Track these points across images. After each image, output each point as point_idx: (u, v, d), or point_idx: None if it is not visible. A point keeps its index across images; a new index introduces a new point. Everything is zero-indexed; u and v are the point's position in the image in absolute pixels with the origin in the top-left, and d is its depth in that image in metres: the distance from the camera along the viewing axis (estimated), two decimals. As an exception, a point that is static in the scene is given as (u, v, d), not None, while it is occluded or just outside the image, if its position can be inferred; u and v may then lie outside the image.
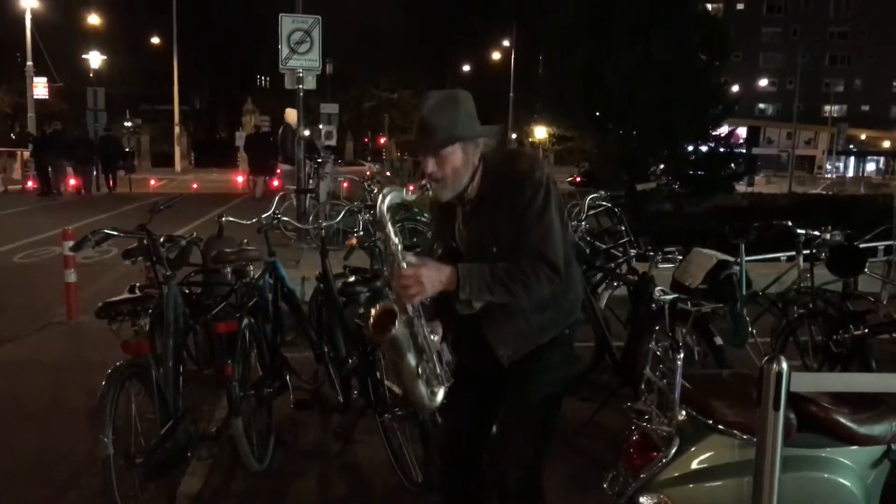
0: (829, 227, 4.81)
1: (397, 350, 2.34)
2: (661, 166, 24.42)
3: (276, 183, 17.77)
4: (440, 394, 2.41)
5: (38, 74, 26.73)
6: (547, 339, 2.50)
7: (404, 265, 2.28)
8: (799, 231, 4.96)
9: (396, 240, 2.31)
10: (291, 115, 12.58)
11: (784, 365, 1.81)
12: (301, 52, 10.61)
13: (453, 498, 2.82)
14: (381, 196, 2.32)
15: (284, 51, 10.59)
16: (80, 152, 20.56)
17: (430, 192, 2.42)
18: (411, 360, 2.35)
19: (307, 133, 15.39)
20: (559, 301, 2.49)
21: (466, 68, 55.09)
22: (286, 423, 4.50)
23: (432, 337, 2.39)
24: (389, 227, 2.31)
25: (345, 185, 16.07)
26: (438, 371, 2.39)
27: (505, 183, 2.40)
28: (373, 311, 2.37)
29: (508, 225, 2.38)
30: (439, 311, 2.48)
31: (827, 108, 62.16)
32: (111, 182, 21.87)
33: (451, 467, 2.78)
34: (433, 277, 2.29)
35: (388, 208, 2.31)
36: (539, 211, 2.35)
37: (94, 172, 21.30)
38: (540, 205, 2.35)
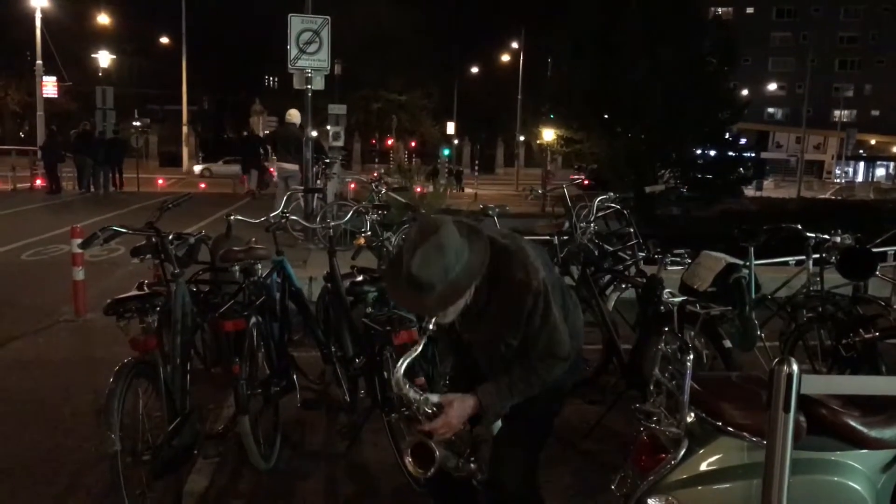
0: (840, 231, 4.78)
1: (442, 467, 2.44)
2: (669, 170, 24.42)
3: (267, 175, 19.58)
4: (481, 459, 2.56)
5: (47, 73, 26.87)
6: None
7: (430, 412, 2.38)
8: (809, 234, 4.93)
9: (418, 396, 2.38)
10: (295, 115, 12.60)
11: (795, 367, 1.80)
12: (310, 53, 10.62)
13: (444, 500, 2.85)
14: (396, 367, 2.37)
15: (293, 51, 10.60)
16: (110, 152, 21.34)
17: (434, 327, 2.40)
18: (453, 462, 2.49)
19: (315, 134, 15.42)
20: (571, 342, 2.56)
21: (475, 69, 55.16)
22: (293, 422, 4.50)
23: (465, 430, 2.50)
24: (410, 394, 2.38)
25: (351, 186, 16.09)
26: (473, 468, 2.53)
27: (502, 295, 2.39)
28: (408, 455, 2.42)
29: (514, 334, 2.43)
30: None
31: (836, 112, 61.89)
32: (119, 182, 22.06)
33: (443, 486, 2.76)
34: (461, 415, 2.39)
35: (405, 376, 2.37)
36: (542, 317, 2.38)
37: (111, 172, 21.53)
38: (542, 312, 2.37)
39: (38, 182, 21.33)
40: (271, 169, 17.27)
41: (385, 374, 3.84)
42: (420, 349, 2.43)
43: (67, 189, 21.24)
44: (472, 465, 2.53)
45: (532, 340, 2.41)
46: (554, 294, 2.42)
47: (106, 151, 21.03)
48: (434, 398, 2.40)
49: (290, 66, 10.75)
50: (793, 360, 1.82)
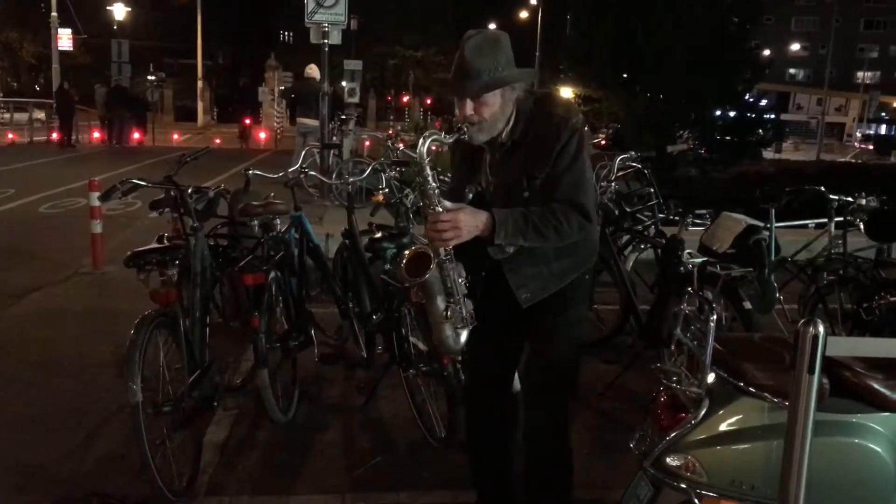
0: (864, 193, 4.72)
1: (427, 293, 2.37)
2: (688, 132, 24.14)
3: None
4: (464, 336, 2.44)
5: (62, 26, 26.66)
6: (566, 283, 2.54)
7: (440, 209, 2.28)
8: (832, 197, 4.88)
9: (435, 184, 2.30)
10: (315, 70, 12.46)
11: (821, 328, 1.78)
12: (327, 6, 10.51)
13: (481, 453, 2.84)
14: (421, 139, 2.29)
15: (310, 5, 10.49)
16: (138, 106, 22.69)
17: (466, 136, 2.38)
18: (440, 303, 2.38)
19: (333, 87, 15.31)
20: (578, 247, 2.51)
21: (492, 27, 54.45)
22: (311, 377, 4.54)
23: (459, 280, 2.39)
24: (428, 169, 2.29)
25: (367, 143, 16.02)
26: (464, 314, 2.41)
27: (540, 127, 2.40)
28: (405, 253, 2.39)
29: (541, 170, 2.38)
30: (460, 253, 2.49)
31: (860, 74, 60.77)
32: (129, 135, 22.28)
33: (476, 422, 2.81)
34: (470, 222, 2.30)
35: (429, 151, 2.30)
36: (573, 156, 2.37)
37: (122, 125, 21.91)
38: (574, 151, 2.37)
39: (55, 135, 21.37)
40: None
41: (402, 330, 3.85)
42: (448, 139, 2.35)
43: (83, 142, 21.29)
44: (455, 320, 2.40)
45: (557, 180, 2.37)
46: (587, 151, 2.41)
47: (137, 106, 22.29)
48: (447, 203, 2.32)
49: (307, 19, 10.65)
50: (819, 321, 1.80)
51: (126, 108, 21.83)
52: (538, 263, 2.48)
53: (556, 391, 2.61)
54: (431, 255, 2.32)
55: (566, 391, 2.67)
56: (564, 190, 2.36)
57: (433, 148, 2.32)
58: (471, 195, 2.55)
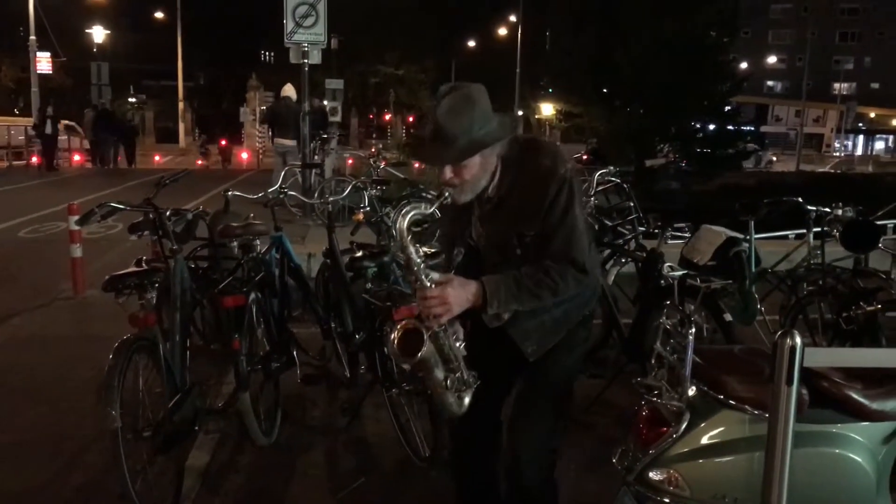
0: (840, 204, 4.76)
1: (426, 368, 2.29)
2: (668, 145, 24.33)
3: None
4: (466, 399, 2.37)
5: (41, 49, 26.55)
6: (571, 326, 2.46)
7: (428, 284, 2.21)
8: (809, 207, 4.92)
9: (418, 259, 2.21)
10: (290, 89, 12.49)
11: (798, 339, 1.78)
12: (306, 27, 10.53)
13: (465, 480, 2.76)
14: (397, 214, 2.20)
15: (289, 25, 10.50)
16: (126, 131, 23.11)
17: (449, 200, 2.30)
18: (439, 374, 2.31)
19: (325, 104, 15.31)
20: (580, 291, 2.42)
21: (472, 43, 54.75)
22: (294, 398, 4.51)
23: (458, 344, 2.33)
24: (410, 248, 2.20)
25: (349, 161, 16.03)
26: (465, 377, 2.35)
27: (527, 181, 2.29)
28: (395, 333, 2.27)
29: (532, 226, 2.29)
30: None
31: (836, 85, 61.56)
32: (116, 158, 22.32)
33: (463, 449, 2.74)
34: (460, 297, 2.22)
35: (408, 226, 2.20)
36: (563, 209, 2.26)
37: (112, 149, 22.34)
38: (564, 203, 2.26)
39: (34, 159, 21.24)
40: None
41: (385, 349, 3.83)
42: (427, 210, 2.28)
43: (64, 166, 21.20)
44: (456, 388, 2.33)
45: (549, 237, 2.27)
46: (579, 200, 2.31)
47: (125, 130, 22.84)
48: (434, 275, 2.23)
49: (286, 40, 10.66)
50: (796, 332, 1.81)
51: (112, 132, 22.08)
52: (538, 315, 2.39)
53: (550, 426, 2.50)
54: (423, 330, 2.22)
55: (559, 420, 2.54)
56: (557, 247, 2.27)
57: (415, 219, 2.23)
58: (459, 257, 2.48)
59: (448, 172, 2.25)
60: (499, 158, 2.31)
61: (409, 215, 2.20)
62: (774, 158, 44.34)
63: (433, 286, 2.21)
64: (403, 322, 2.30)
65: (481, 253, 2.47)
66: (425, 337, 2.21)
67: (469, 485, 2.75)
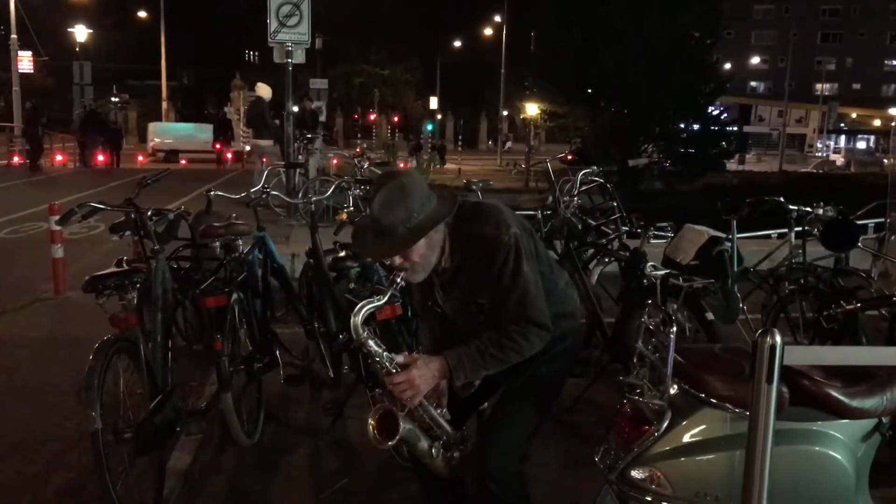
0: (822, 203, 4.80)
1: (408, 444, 2.34)
2: (652, 145, 24.45)
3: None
4: (457, 453, 2.44)
5: (22, 48, 26.33)
6: (553, 352, 2.48)
7: (394, 370, 2.27)
8: (791, 207, 4.95)
9: (379, 350, 2.28)
10: (264, 89, 12.46)
11: (778, 338, 1.79)
12: (290, 26, 10.49)
13: (429, 480, 2.72)
14: (354, 313, 2.26)
15: (273, 24, 10.47)
16: (113, 131, 23.52)
17: (402, 283, 2.36)
18: (424, 445, 2.36)
19: (314, 105, 15.27)
20: (559, 322, 2.46)
21: (458, 43, 54.77)
22: (277, 398, 4.49)
23: (437, 410, 2.38)
24: (370, 342, 2.28)
25: (334, 161, 15.99)
26: (451, 440, 2.41)
27: (474, 252, 2.33)
28: (370, 421, 2.32)
29: (486, 294, 2.35)
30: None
31: (818, 86, 62.06)
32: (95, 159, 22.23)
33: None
34: (425, 376, 2.27)
35: (363, 322, 2.26)
36: (512, 274, 2.29)
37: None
38: (512, 268, 2.29)
39: (16, 159, 21.06)
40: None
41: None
42: (383, 301, 2.33)
43: (46, 166, 21.02)
44: (444, 454, 2.39)
45: (503, 301, 2.32)
46: (528, 258, 2.33)
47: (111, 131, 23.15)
48: (398, 358, 2.29)
49: (269, 39, 10.62)
50: (776, 331, 1.81)
51: (100, 132, 22.29)
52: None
53: (523, 430, 2.51)
54: (396, 412, 2.27)
55: (533, 431, 2.54)
56: (513, 310, 2.31)
57: (370, 313, 2.30)
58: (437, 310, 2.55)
59: (397, 259, 2.30)
60: (446, 231, 2.34)
61: (363, 312, 2.27)
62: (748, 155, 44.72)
63: (398, 371, 2.27)
64: (377, 407, 2.36)
65: (448, 318, 2.54)
66: (400, 421, 2.26)
67: (434, 488, 2.72)
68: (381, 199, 2.21)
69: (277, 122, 12.63)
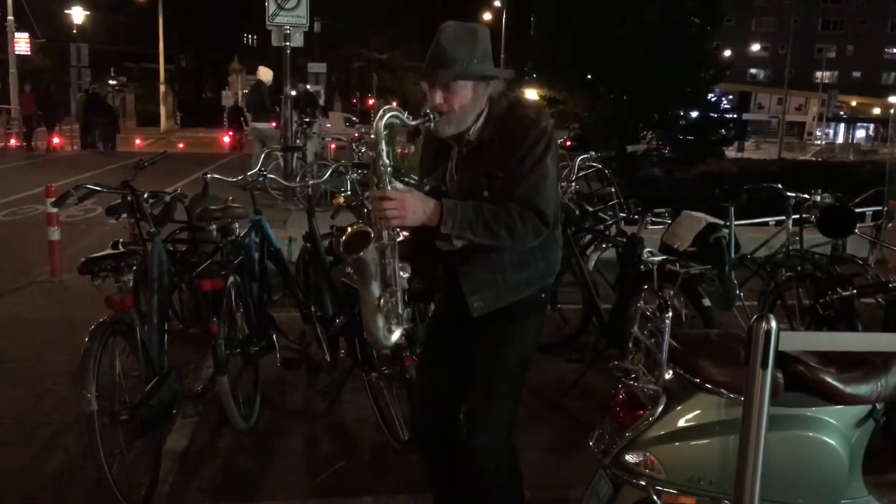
0: (819, 190, 4.79)
1: (363, 275, 2.30)
2: (651, 132, 24.37)
3: None
4: (396, 334, 2.38)
5: (19, 30, 26.15)
6: (520, 297, 2.45)
7: (390, 188, 2.22)
8: (789, 194, 4.94)
9: (387, 161, 2.24)
10: (265, 72, 12.57)
11: (773, 324, 1.79)
12: (288, 9, 10.45)
13: (431, 457, 2.80)
14: (380, 112, 2.23)
15: (271, 7, 10.42)
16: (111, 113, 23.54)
17: (432, 125, 2.33)
18: (375, 289, 2.32)
19: (312, 89, 15.24)
20: (538, 261, 2.45)
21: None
22: (273, 382, 4.50)
23: (401, 273, 2.33)
24: (383, 145, 2.23)
25: (332, 146, 15.92)
26: (400, 310, 2.36)
27: (508, 128, 2.34)
28: (348, 230, 2.34)
29: (505, 170, 2.32)
30: (415, 252, 2.45)
31: (818, 73, 61.86)
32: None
33: (425, 426, 2.76)
34: (417, 206, 2.24)
35: (386, 126, 2.23)
36: (537, 159, 2.30)
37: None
38: (539, 153, 2.30)
39: (12, 141, 20.98)
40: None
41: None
42: (409, 121, 2.32)
43: (41, 148, 20.99)
44: (393, 309, 2.33)
45: (518, 181, 2.29)
46: (554, 157, 2.35)
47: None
48: (398, 185, 2.25)
49: (268, 22, 10.57)
50: (771, 316, 1.81)
51: (101, 114, 22.33)
52: (494, 270, 2.40)
53: (500, 400, 2.50)
54: (372, 236, 2.26)
55: (512, 405, 2.53)
56: (524, 191, 2.28)
57: (393, 123, 2.27)
58: (427, 188, 2.48)
59: (438, 97, 2.31)
60: (488, 103, 2.37)
61: (388, 115, 2.23)
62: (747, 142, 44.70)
63: (394, 190, 2.23)
64: (357, 225, 2.35)
65: (451, 197, 2.47)
66: (372, 239, 2.25)
67: (437, 465, 2.77)
68: (453, 31, 2.29)
69: (277, 108, 12.63)
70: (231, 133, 24.53)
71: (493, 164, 2.35)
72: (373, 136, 2.25)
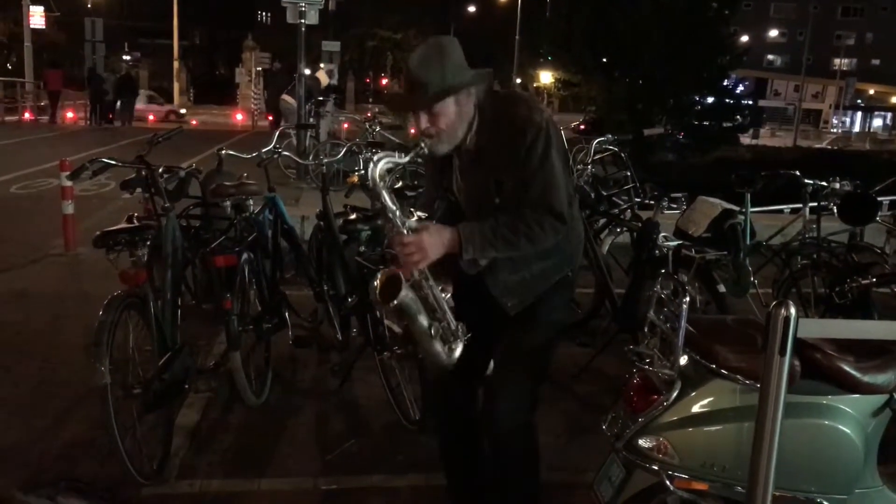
0: (837, 178, 4.74)
1: (407, 314, 2.30)
2: (665, 117, 24.19)
3: None
4: (458, 350, 2.37)
5: (34, 3, 26.16)
6: (550, 284, 2.48)
7: (405, 231, 2.23)
8: (806, 181, 4.90)
9: (394, 207, 2.23)
10: (322, 75, 12.98)
11: (792, 310, 1.77)
12: (304, -14, 10.39)
13: (447, 437, 2.81)
14: (371, 164, 2.22)
15: (287, -16, 10.37)
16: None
17: (425, 150, 2.30)
18: (423, 321, 2.31)
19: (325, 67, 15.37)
20: (562, 246, 2.44)
21: (472, 9, 54.19)
22: (285, 359, 4.51)
23: (443, 294, 2.34)
24: (384, 194, 2.22)
25: (345, 125, 15.89)
26: (453, 327, 2.36)
27: (504, 130, 2.31)
28: (376, 281, 2.29)
29: (510, 174, 2.30)
30: (440, 265, 2.43)
31: (836, 60, 61.14)
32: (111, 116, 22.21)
33: (443, 406, 2.77)
34: (435, 243, 2.24)
35: (381, 175, 2.21)
36: (541, 157, 2.27)
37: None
38: (541, 151, 2.27)
39: (27, 115, 21.05)
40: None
41: (377, 312, 3.82)
42: (406, 159, 2.27)
43: (58, 122, 21.09)
44: (443, 337, 2.33)
45: (526, 184, 2.28)
46: (557, 148, 2.31)
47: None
48: (411, 222, 2.26)
49: (283, -1, 10.52)
50: (790, 303, 1.79)
51: (132, 93, 23.07)
52: (519, 269, 2.42)
53: (528, 381, 2.52)
54: (402, 277, 2.24)
55: (538, 382, 2.56)
56: (534, 193, 2.28)
57: (387, 169, 2.24)
58: (440, 211, 2.49)
59: (424, 121, 2.28)
60: (476, 109, 2.33)
61: (382, 163, 2.22)
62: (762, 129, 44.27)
63: (409, 233, 2.24)
64: (383, 269, 2.33)
65: (462, 207, 2.48)
66: (403, 282, 2.23)
67: (451, 442, 2.78)
68: (419, 54, 2.25)
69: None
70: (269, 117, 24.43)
71: (496, 169, 2.33)
72: (372, 189, 2.23)
